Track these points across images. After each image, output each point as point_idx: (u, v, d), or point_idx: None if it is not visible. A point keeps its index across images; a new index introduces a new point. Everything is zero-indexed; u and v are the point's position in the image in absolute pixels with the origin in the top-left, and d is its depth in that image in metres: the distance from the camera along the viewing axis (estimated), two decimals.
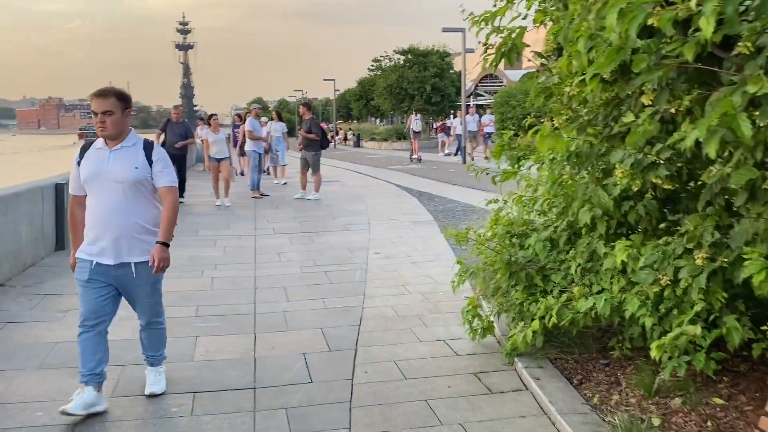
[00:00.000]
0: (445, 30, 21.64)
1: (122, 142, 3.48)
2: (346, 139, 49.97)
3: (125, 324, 4.73)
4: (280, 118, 15.50)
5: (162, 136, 11.83)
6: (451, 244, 7.77)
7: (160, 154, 3.56)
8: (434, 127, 60.44)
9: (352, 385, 3.76)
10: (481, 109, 40.54)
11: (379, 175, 18.10)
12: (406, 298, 5.57)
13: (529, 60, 4.18)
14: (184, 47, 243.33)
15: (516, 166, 4.40)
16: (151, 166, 3.49)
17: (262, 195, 12.76)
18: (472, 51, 22.65)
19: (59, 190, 7.31)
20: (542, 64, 4.19)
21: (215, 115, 13.10)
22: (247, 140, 13.02)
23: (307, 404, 3.53)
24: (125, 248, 3.48)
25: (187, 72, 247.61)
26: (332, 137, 48.42)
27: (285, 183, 14.99)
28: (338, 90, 56.09)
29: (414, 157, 24.47)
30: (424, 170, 19.89)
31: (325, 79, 48.29)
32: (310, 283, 6.11)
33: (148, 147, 3.54)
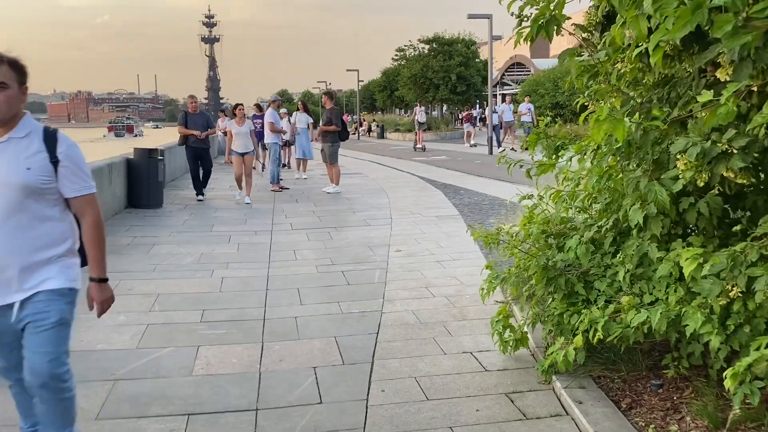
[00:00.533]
0: (471, 16, 20.99)
1: (11, 131, 2.46)
2: (370, 130, 49.50)
3: (122, 330, 4.38)
4: (305, 110, 14.39)
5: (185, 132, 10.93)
6: (478, 241, 7.28)
7: (69, 149, 2.53)
8: (459, 117, 59.73)
9: (366, 407, 3.31)
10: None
11: (403, 167, 17.61)
12: (429, 302, 5.10)
13: (571, 33, 3.66)
14: (210, 40, 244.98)
15: (554, 157, 3.87)
16: (55, 168, 2.48)
17: (281, 188, 12.38)
18: (499, 38, 22.05)
19: None
20: (584, 39, 3.67)
21: (241, 104, 11.62)
22: (267, 132, 12.60)
23: (313, 430, 3.09)
24: (14, 282, 2.45)
25: (213, 65, 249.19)
26: (356, 129, 48.03)
27: (305, 178, 14.33)
28: (362, 81, 55.61)
29: (418, 146, 25.30)
30: (449, 162, 19.35)
31: (348, 70, 47.83)
32: (326, 284, 5.67)
33: (50, 139, 2.50)
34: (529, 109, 22.55)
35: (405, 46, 42.97)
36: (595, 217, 3.79)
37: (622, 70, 2.98)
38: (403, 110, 70.28)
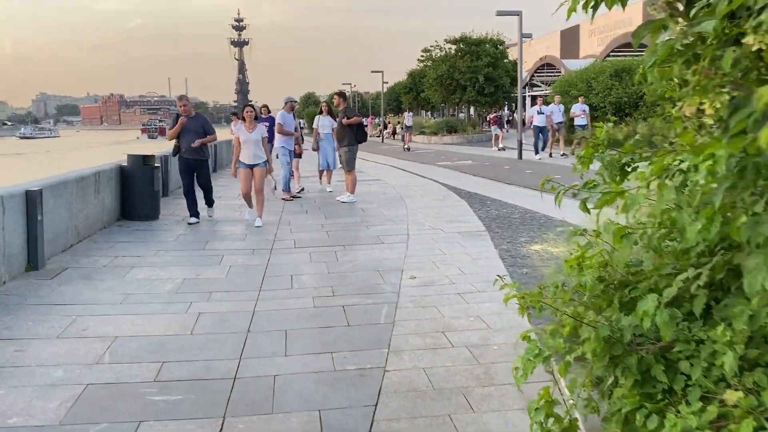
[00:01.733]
0: (500, 13, 19.86)
1: None
2: (394, 133, 48.49)
3: (53, 393, 3.35)
4: (330, 113, 12.37)
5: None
6: (508, 266, 6.21)
7: None
8: (487, 119, 58.45)
9: None
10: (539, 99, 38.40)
11: (425, 173, 16.54)
12: (446, 354, 4.05)
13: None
14: (239, 43, 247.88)
15: (618, 179, 2.80)
16: None
17: (293, 197, 11.43)
18: (529, 36, 20.81)
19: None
20: (671, 15, 2.58)
21: (250, 105, 9.51)
22: (277, 135, 11.53)
23: None
24: None
25: (242, 68, 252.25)
26: (380, 131, 47.07)
27: (331, 191, 12.39)
28: (386, 82, 54.66)
29: (405, 147, 29.98)
30: (475, 167, 18.23)
31: (372, 71, 46.90)
32: (322, 324, 4.66)
33: None
34: (583, 110, 19.49)
35: (431, 46, 41.93)
36: (675, 263, 2.71)
37: (755, 45, 1.88)
38: (429, 112, 69.16)
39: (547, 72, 55.87)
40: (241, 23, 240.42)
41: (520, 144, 20.93)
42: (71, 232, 7.25)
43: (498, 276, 2.83)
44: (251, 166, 8.92)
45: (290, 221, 9.21)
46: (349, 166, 10.87)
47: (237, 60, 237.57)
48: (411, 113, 38.35)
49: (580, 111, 19.59)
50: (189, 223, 8.89)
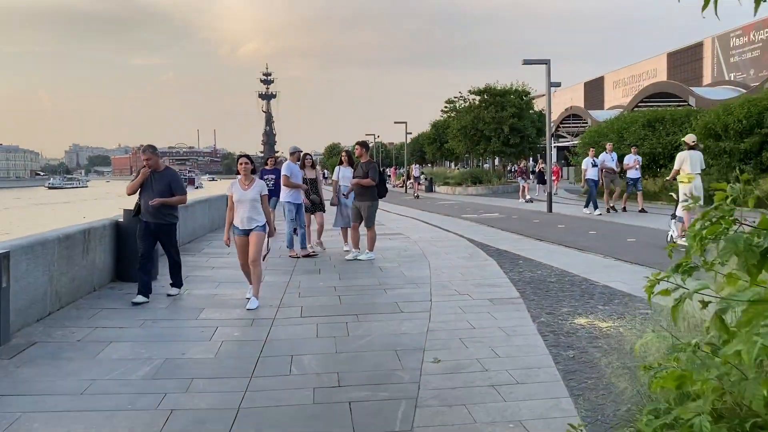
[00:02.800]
0: (526, 62, 19.22)
1: None
2: (418, 183, 47.84)
3: None
4: (350, 162, 11.15)
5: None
6: (550, 346, 5.19)
7: None
8: (512, 170, 57.67)
9: None
10: (567, 151, 37.41)
11: (450, 227, 15.61)
12: None
13: None
14: (267, 96, 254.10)
15: (755, 269, 1.86)
16: None
17: (308, 255, 10.56)
18: (558, 85, 20.10)
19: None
20: None
21: (244, 158, 7.17)
22: (283, 189, 10.63)
23: None
24: None
25: (269, 120, 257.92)
26: (403, 182, 46.47)
27: (355, 255, 10.32)
28: (410, 133, 54.48)
29: (415, 195, 35.38)
30: (502, 220, 17.26)
31: (396, 122, 46.63)
32: (321, 430, 3.69)
33: None
34: (637, 161, 17.91)
35: (455, 97, 41.58)
36: None
37: None
38: (453, 163, 68.69)
39: (573, 122, 55.27)
40: (269, 77, 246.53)
41: (550, 196, 19.95)
42: (50, 298, 6.42)
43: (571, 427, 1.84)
44: (247, 232, 7.01)
45: (300, 282, 8.30)
46: (370, 222, 10.06)
47: (264, 112, 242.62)
48: (418, 165, 43.74)
49: (633, 161, 17.85)
50: (133, 303, 6.93)
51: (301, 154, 10.92)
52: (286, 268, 9.43)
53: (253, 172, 7.29)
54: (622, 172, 18.31)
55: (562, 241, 12.04)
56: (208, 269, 9.49)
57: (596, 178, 17.82)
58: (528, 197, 26.40)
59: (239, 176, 7.15)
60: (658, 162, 22.26)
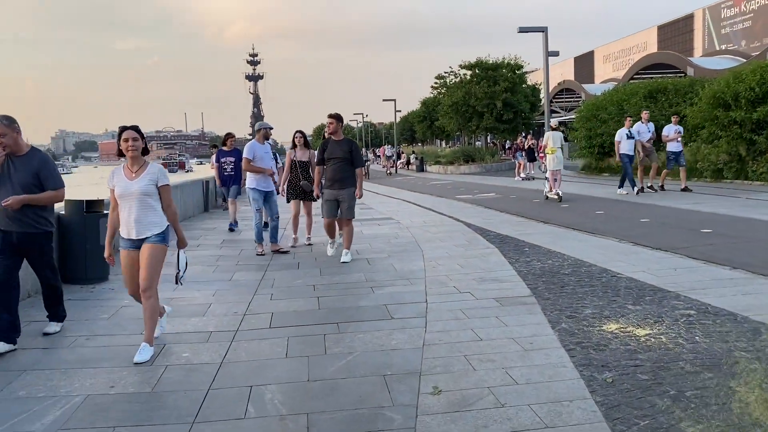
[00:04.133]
0: (522, 30, 17.98)
1: None
2: (408, 163, 46.60)
3: None
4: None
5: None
6: (579, 365, 4.08)
7: None
8: (506, 147, 56.38)
9: None
10: (564, 127, 36.28)
11: (444, 209, 14.48)
12: None
13: None
14: (254, 78, 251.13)
15: None
16: None
17: (279, 250, 9.01)
18: (556, 54, 18.88)
19: None
20: None
21: (130, 130, 4.68)
22: (249, 175, 8.89)
23: None
24: None
25: (257, 101, 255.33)
26: (393, 162, 45.24)
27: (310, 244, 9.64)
28: (399, 111, 53.08)
29: (387, 172, 38.09)
30: (500, 201, 16.13)
31: (384, 100, 45.24)
32: None
33: None
34: (679, 132, 15.34)
35: (445, 72, 40.28)
36: None
37: None
38: (444, 141, 67.45)
39: (566, 97, 54.09)
40: (255, 58, 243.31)
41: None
42: None
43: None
44: (137, 244, 4.75)
45: (274, 281, 7.16)
46: (352, 213, 8.28)
47: (252, 94, 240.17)
48: (390, 146, 46.57)
49: (675, 132, 15.26)
50: None
51: (269, 131, 9.19)
52: (260, 263, 8.29)
53: (144, 152, 4.82)
54: (660, 144, 16.13)
55: (568, 223, 10.94)
56: (170, 266, 8.30)
57: (631, 153, 15.28)
58: (524, 174, 25.32)
59: (124, 159, 4.82)
60: (659, 134, 21.12)
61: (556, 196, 14.90)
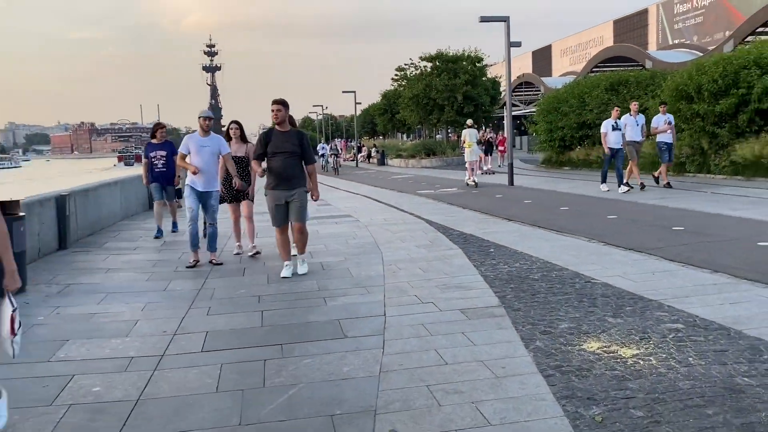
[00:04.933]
0: (483, 19, 17.44)
1: None
2: (369, 156, 45.91)
3: None
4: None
5: None
6: (559, 396, 3.48)
7: None
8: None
9: None
10: (524, 119, 36.04)
11: (405, 205, 13.86)
12: None
13: None
14: (212, 69, 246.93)
15: None
16: None
17: (212, 262, 7.72)
18: (518, 45, 18.42)
19: None
20: None
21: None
22: (188, 174, 7.65)
23: None
24: None
25: (214, 93, 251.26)
26: (354, 155, 44.51)
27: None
28: (359, 103, 52.29)
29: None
30: (462, 196, 15.60)
31: (344, 92, 44.39)
32: None
33: None
34: (669, 123, 14.28)
35: (405, 64, 39.64)
36: None
37: None
38: (405, 134, 66.95)
39: (526, 90, 54.09)
40: (213, 49, 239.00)
41: (511, 168, 18.39)
42: None
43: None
44: None
45: (215, 290, 6.40)
46: (304, 216, 7.02)
47: (209, 85, 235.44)
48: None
49: (664, 123, 14.21)
50: None
51: (207, 121, 7.70)
52: (201, 269, 7.51)
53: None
54: (649, 136, 14.98)
55: (533, 220, 10.44)
56: (99, 273, 7.47)
57: (619, 146, 14.09)
58: (486, 168, 24.91)
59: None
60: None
61: (473, 183, 17.83)
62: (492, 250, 7.97)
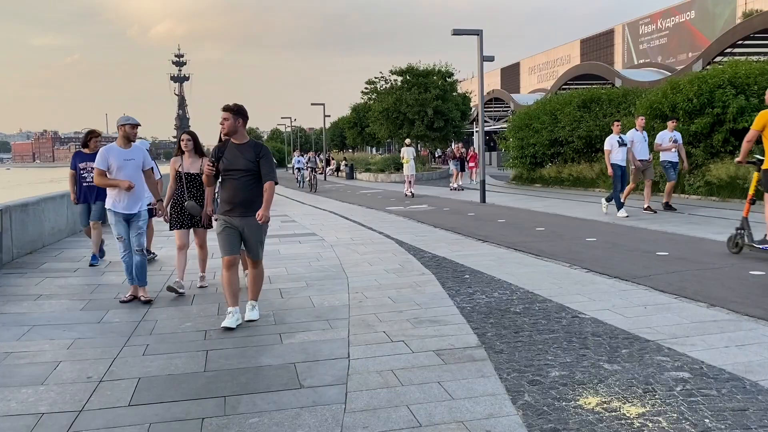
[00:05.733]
0: (456, 32, 16.99)
1: None
2: (338, 170, 45.23)
3: None
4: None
5: None
6: None
7: None
8: (438, 155, 55.85)
9: None
10: (494, 135, 35.74)
11: (374, 223, 13.21)
12: None
13: None
14: (180, 79, 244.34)
15: None
16: None
17: (139, 297, 6.53)
18: (491, 59, 18.02)
19: None
20: None
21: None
22: (107, 190, 6.49)
23: None
24: None
25: (182, 103, 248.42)
26: (323, 168, 43.78)
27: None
28: (329, 116, 51.71)
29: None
30: (434, 214, 15.01)
31: (313, 104, 43.70)
32: None
33: None
34: (675, 141, 13.07)
35: (375, 78, 39.17)
36: None
37: None
38: (375, 148, 66.54)
39: (495, 107, 54.18)
40: (181, 59, 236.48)
41: (483, 184, 17.90)
42: None
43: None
44: None
45: (156, 323, 5.64)
46: (260, 251, 5.63)
47: (177, 95, 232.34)
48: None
49: (669, 141, 13.06)
50: None
51: (130, 129, 6.39)
52: (133, 307, 6.71)
53: None
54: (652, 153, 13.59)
55: (509, 241, 9.88)
56: (28, 300, 6.62)
57: (624, 163, 12.66)
58: (456, 184, 24.45)
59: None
60: (595, 146, 20.70)
61: (410, 194, 20.74)
62: (467, 276, 7.35)
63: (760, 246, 7.66)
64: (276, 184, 5.55)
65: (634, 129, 13.09)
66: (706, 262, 7.71)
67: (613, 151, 12.66)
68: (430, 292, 6.56)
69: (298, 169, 32.90)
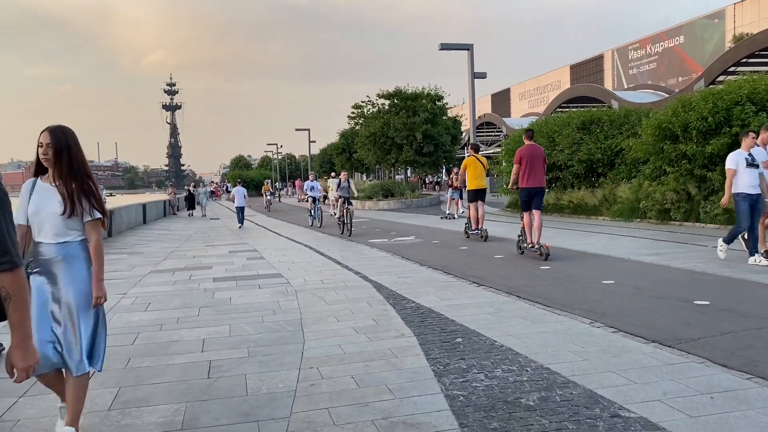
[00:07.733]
0: (444, 47, 15.53)
1: None
2: (325, 198, 43.56)
3: None
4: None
5: None
6: None
7: None
8: (426, 182, 54.44)
9: None
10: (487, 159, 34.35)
11: (351, 260, 11.51)
12: None
13: None
14: (172, 108, 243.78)
15: None
16: None
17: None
18: (483, 76, 16.53)
19: None
20: None
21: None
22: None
23: None
24: None
25: (174, 132, 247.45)
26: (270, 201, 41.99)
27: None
28: (314, 141, 50.24)
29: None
30: (420, 248, 13.32)
31: (297, 130, 42.23)
32: None
33: None
34: None
35: (362, 102, 37.80)
36: None
37: None
38: (363, 174, 65.15)
39: (487, 131, 53.01)
40: (173, 88, 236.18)
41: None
42: None
43: None
44: None
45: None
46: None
47: (169, 124, 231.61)
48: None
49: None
50: None
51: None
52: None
53: None
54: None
55: (509, 285, 8.21)
56: None
57: (757, 191, 8.93)
58: (448, 213, 22.83)
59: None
60: (597, 170, 19.18)
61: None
62: (459, 339, 5.64)
63: None
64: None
65: (757, 145, 9.21)
66: (759, 316, 6.05)
67: (740, 172, 8.96)
68: (410, 368, 4.84)
69: (312, 199, 22.00)
